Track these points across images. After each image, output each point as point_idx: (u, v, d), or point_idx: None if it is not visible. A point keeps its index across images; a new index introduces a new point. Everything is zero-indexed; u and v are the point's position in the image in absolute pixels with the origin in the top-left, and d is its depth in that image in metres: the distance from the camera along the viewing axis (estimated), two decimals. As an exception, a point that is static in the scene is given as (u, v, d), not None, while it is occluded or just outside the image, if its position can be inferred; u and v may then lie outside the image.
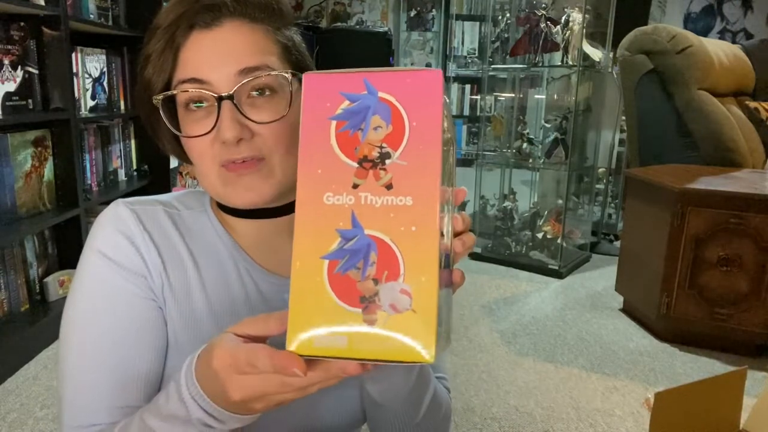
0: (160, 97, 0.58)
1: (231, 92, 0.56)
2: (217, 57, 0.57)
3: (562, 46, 2.73)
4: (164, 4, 2.38)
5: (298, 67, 0.62)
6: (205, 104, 0.58)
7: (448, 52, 5.99)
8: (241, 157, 0.58)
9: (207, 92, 0.57)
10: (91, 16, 2.25)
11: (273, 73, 0.58)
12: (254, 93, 0.58)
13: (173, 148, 0.65)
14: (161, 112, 0.59)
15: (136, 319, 0.59)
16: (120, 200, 0.64)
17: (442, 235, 0.40)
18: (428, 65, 6.32)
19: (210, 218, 0.67)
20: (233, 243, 0.66)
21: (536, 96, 3.39)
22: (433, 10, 6.18)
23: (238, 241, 0.66)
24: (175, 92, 0.58)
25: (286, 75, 0.59)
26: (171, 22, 0.57)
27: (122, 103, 2.54)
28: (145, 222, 0.62)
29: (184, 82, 0.57)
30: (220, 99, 0.56)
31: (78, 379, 0.58)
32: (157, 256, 0.61)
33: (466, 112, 6.12)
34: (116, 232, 0.60)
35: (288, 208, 0.66)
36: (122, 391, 0.58)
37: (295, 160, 0.58)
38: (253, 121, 0.58)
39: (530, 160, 3.00)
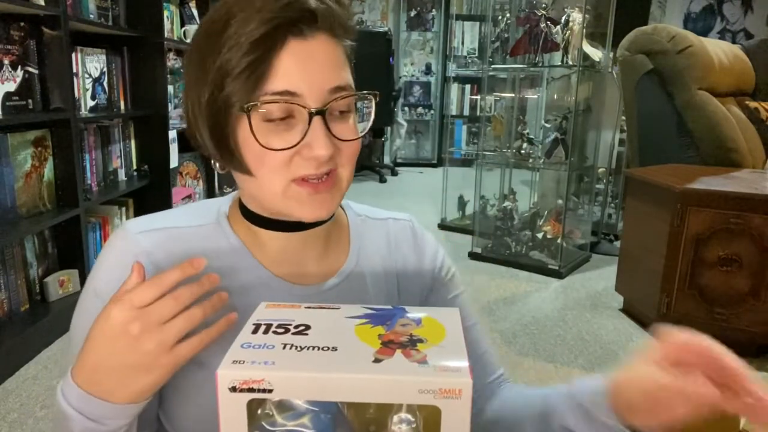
0: (251, 105, 0.55)
1: (324, 108, 0.56)
2: (311, 71, 0.56)
3: (562, 46, 2.73)
4: (165, 5, 2.33)
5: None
6: (287, 118, 0.56)
7: (448, 52, 5.98)
8: (322, 172, 0.57)
9: (299, 106, 0.55)
10: (91, 16, 2.25)
11: (359, 94, 0.60)
12: (336, 111, 0.58)
13: (229, 158, 0.60)
14: (250, 122, 0.56)
15: None
16: (128, 225, 0.62)
17: None
18: (428, 65, 6.32)
19: (224, 231, 0.65)
20: (251, 257, 0.64)
21: (536, 96, 3.39)
22: (433, 10, 6.18)
23: (259, 252, 0.65)
24: (268, 100, 0.55)
25: (369, 98, 0.61)
26: (265, 35, 0.54)
27: (122, 103, 2.54)
28: (152, 251, 0.60)
29: (275, 93, 0.55)
30: (312, 114, 0.55)
31: None
32: None
33: (466, 112, 6.12)
34: (119, 270, 0.59)
35: (320, 221, 0.64)
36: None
37: (354, 170, 0.62)
38: (338, 138, 0.58)
39: (530, 160, 3.00)
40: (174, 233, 0.63)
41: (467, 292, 0.78)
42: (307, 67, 0.56)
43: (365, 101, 0.62)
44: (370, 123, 0.63)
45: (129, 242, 0.61)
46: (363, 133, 0.61)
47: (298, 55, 0.55)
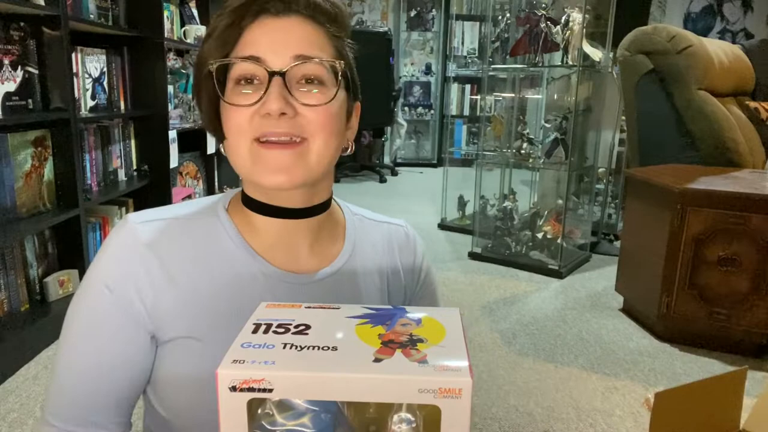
0: (216, 64, 0.60)
1: (284, 69, 0.59)
2: (278, 41, 0.60)
3: (562, 46, 2.73)
4: (165, 5, 2.33)
5: (345, 79, 0.64)
6: (255, 83, 0.60)
7: (448, 52, 5.98)
8: (281, 131, 0.59)
9: (261, 68, 0.59)
10: (91, 16, 2.25)
11: (325, 60, 0.61)
12: (304, 81, 0.60)
13: (211, 123, 0.65)
14: (213, 77, 0.61)
15: (117, 354, 0.62)
16: (130, 217, 0.65)
17: None
18: (428, 65, 6.32)
19: (222, 221, 0.67)
20: (245, 245, 0.66)
21: (536, 96, 3.39)
22: (433, 10, 6.19)
23: (255, 241, 0.67)
24: (230, 61, 0.60)
25: (337, 65, 0.61)
26: (242, 4, 0.59)
27: (122, 103, 2.54)
28: (154, 241, 0.63)
29: (241, 58, 0.60)
30: (272, 74, 0.58)
31: (61, 385, 0.64)
32: (163, 275, 0.62)
33: (466, 112, 6.12)
34: (119, 260, 0.62)
35: (314, 210, 0.67)
36: (94, 408, 0.63)
37: (332, 151, 0.62)
38: (298, 101, 0.59)
39: (530, 160, 3.00)
40: (174, 223, 0.66)
41: (439, 287, 0.83)
42: (273, 37, 0.60)
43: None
44: (334, 94, 0.62)
45: (132, 233, 0.63)
46: (329, 101, 0.61)
47: (267, 27, 0.60)
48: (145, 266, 0.62)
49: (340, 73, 0.62)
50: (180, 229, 0.65)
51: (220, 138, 0.64)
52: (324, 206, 0.68)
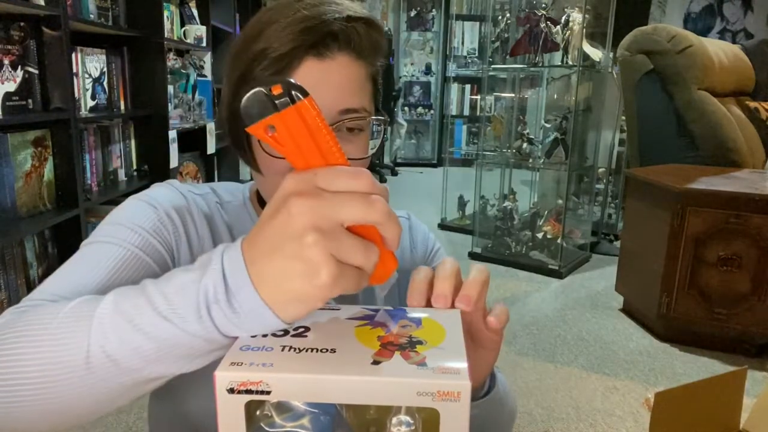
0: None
1: (331, 126, 0.58)
2: (323, 91, 0.58)
3: (562, 46, 2.73)
4: (165, 5, 2.31)
5: (376, 101, 0.66)
6: None
7: (448, 52, 5.99)
8: None
9: None
10: (91, 16, 2.25)
11: (371, 118, 0.62)
12: (345, 129, 0.61)
13: (245, 156, 0.66)
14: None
15: (138, 270, 0.57)
16: (172, 180, 0.68)
17: None
18: (428, 65, 6.32)
19: (248, 210, 0.71)
20: None
21: (536, 96, 3.40)
22: (433, 10, 6.19)
23: None
24: None
25: (379, 121, 0.63)
26: (289, 51, 0.57)
27: (122, 103, 2.54)
28: (190, 203, 0.66)
29: None
30: None
31: (68, 270, 0.57)
32: (195, 233, 0.64)
33: (466, 112, 6.12)
34: (164, 195, 0.64)
35: None
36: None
37: None
38: None
39: (530, 160, 3.00)
40: (210, 198, 0.69)
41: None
42: (319, 88, 0.58)
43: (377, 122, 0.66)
44: (380, 142, 0.66)
45: (172, 189, 0.66)
46: (372, 152, 0.64)
47: (312, 74, 0.59)
48: (181, 220, 0.63)
49: (383, 126, 0.64)
50: (215, 208, 0.68)
51: (253, 168, 0.65)
52: None
